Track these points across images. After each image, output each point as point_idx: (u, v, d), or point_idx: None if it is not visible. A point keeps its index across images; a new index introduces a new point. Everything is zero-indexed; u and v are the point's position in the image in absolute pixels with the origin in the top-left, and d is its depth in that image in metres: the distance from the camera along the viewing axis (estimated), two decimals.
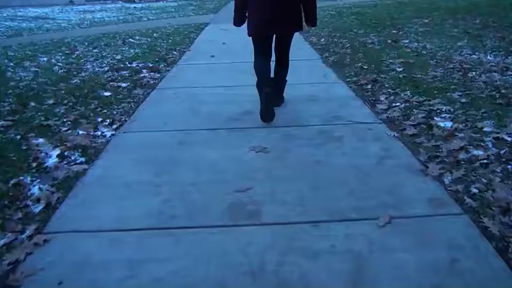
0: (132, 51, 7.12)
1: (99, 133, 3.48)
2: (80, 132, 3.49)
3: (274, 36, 3.73)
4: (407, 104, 3.93)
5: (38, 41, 8.38)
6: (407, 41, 7.24)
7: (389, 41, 7.19)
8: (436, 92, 4.24)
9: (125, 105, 4.18)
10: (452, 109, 3.75)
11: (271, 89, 3.57)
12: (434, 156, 2.86)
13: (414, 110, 3.77)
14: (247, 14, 3.65)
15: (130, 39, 8.28)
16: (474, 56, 5.91)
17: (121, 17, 14.44)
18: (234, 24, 3.80)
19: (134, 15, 15.17)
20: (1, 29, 12.08)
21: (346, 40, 7.47)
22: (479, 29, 8.43)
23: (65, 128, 3.61)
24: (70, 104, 4.26)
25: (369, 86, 4.59)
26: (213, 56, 6.59)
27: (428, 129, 3.35)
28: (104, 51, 7.16)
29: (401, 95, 4.20)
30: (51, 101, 4.35)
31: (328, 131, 3.38)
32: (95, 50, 7.24)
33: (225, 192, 2.46)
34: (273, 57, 3.83)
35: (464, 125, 3.39)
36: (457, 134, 3.21)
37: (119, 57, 6.63)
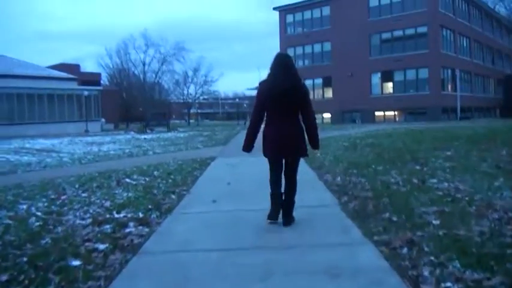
0: (124, 194, 6.34)
1: None
2: None
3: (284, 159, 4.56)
4: (460, 286, 2.93)
5: (28, 182, 7.69)
6: (435, 180, 6.41)
7: (415, 181, 6.36)
8: (493, 262, 3.25)
9: (92, 284, 3.23)
10: None
11: (281, 197, 4.51)
12: None
13: None
14: (262, 140, 4.53)
15: (126, 179, 7.58)
16: None
17: (127, 150, 14.07)
18: (243, 150, 4.68)
19: (141, 148, 14.84)
20: None
21: (365, 179, 6.66)
22: (510, 162, 7.67)
23: None
24: (26, 281, 3.31)
25: (405, 250, 3.61)
26: (214, 201, 5.75)
27: None
28: (93, 195, 6.40)
29: (449, 268, 3.20)
30: (4, 277, 3.42)
31: None
32: (83, 195, 6.47)
33: None
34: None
35: None
36: None
37: (107, 203, 5.82)
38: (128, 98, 67.83)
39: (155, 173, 8.26)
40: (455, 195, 5.42)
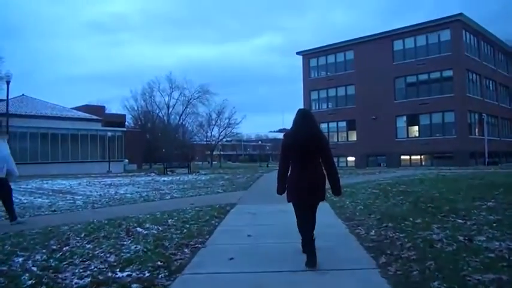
0: (133, 247, 5.68)
1: None
2: None
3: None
4: None
5: (32, 229, 7.12)
6: (483, 237, 5.59)
7: (460, 238, 5.56)
8: None
9: None
10: None
11: (313, 245, 4.75)
12: None
13: None
14: (287, 187, 4.98)
15: (137, 228, 6.94)
16: None
17: (144, 193, 13.50)
18: (278, 193, 5.11)
19: (159, 191, 14.26)
20: None
21: (403, 235, 5.88)
22: None
23: None
24: None
25: None
26: (232, 258, 5.04)
27: None
28: (98, 247, 5.76)
29: None
30: None
31: None
32: (88, 246, 5.84)
33: None
34: None
35: None
36: None
37: (112, 258, 5.17)
38: (152, 139, 68.19)
39: (169, 221, 7.60)
40: (509, 259, 4.61)
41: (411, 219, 6.91)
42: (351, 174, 22.43)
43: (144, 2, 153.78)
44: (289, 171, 4.98)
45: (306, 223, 4.93)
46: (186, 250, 5.58)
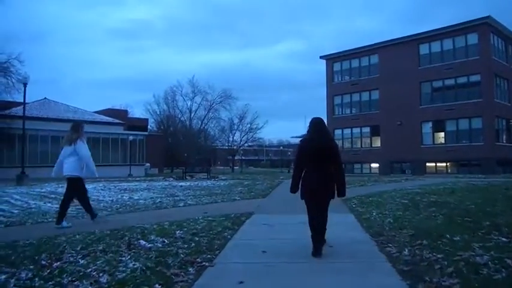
0: (131, 265, 4.99)
1: None
2: None
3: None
4: None
5: (26, 239, 6.51)
6: None
7: (509, 262, 4.73)
8: None
9: None
10: None
11: (322, 238, 5.57)
12: None
13: None
14: (300, 187, 5.73)
15: (141, 241, 6.26)
16: None
17: (158, 200, 12.88)
18: (291, 191, 5.88)
19: (174, 197, 13.64)
20: (14, 211, 10.63)
21: (441, 255, 5.06)
22: None
23: None
24: None
25: None
26: (241, 282, 4.31)
27: None
28: (93, 263, 5.10)
29: None
30: None
31: None
32: (82, 261, 5.18)
33: None
34: None
35: None
36: None
37: (104, 278, 4.49)
38: (174, 143, 68.07)
39: (178, 232, 6.91)
40: None
41: (448, 236, 6.07)
42: (376, 182, 21.48)
43: (166, 8, 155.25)
44: (303, 173, 5.70)
45: (316, 219, 5.55)
46: (190, 269, 4.87)
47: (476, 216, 7.73)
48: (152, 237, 6.56)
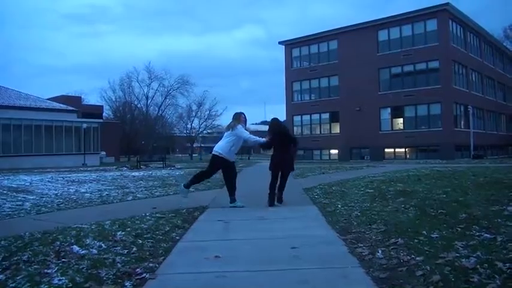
0: (56, 280, 4.06)
1: None
2: None
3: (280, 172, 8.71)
4: None
5: None
6: None
7: (498, 265, 4.09)
8: None
9: None
10: None
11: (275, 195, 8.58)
12: None
13: None
14: (270, 161, 8.94)
15: (74, 246, 5.30)
16: None
17: (105, 193, 11.84)
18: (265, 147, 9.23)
19: (123, 189, 12.64)
20: None
21: (422, 258, 4.37)
22: None
23: None
24: None
25: None
26: None
27: None
28: (12, 278, 4.13)
29: None
30: None
31: None
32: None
33: None
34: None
35: None
36: None
37: None
38: (130, 131, 66.12)
39: (119, 234, 5.97)
40: None
41: (425, 232, 5.42)
42: (338, 169, 21.00)
43: None
44: (272, 152, 8.86)
45: (276, 183, 8.60)
46: (127, 284, 4.00)
47: (450, 207, 7.16)
48: (88, 240, 5.60)
